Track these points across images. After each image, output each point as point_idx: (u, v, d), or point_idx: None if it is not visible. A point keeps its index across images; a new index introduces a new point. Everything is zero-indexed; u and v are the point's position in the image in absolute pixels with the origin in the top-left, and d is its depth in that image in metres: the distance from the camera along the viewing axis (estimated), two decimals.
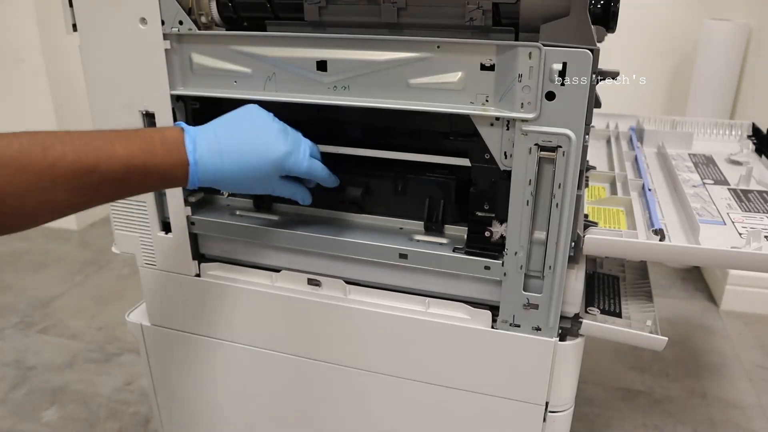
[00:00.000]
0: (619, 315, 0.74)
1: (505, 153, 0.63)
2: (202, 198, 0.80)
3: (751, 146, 1.05)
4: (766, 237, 0.68)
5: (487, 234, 0.67)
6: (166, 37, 0.68)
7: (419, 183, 0.73)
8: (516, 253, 0.65)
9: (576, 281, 0.68)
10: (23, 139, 0.49)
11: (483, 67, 0.60)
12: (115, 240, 0.82)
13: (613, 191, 0.84)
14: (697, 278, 1.86)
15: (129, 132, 0.56)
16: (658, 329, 0.69)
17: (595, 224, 0.69)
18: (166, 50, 0.68)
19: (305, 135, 0.67)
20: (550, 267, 0.64)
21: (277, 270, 0.78)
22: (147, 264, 0.82)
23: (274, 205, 0.80)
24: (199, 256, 0.81)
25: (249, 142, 0.60)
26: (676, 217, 0.77)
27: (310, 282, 0.76)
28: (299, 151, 0.64)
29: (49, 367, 1.52)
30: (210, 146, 0.59)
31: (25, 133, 0.50)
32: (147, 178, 0.56)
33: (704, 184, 0.88)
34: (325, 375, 0.79)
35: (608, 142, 1.08)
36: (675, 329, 1.62)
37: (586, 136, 0.59)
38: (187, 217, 0.76)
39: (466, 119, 0.63)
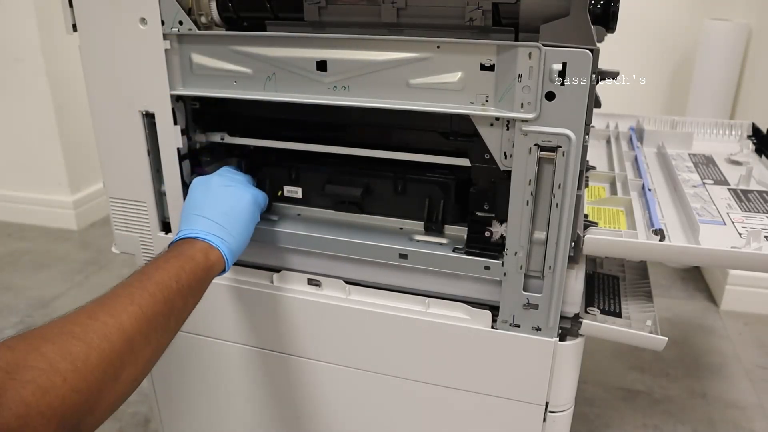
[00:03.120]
0: (619, 315, 0.74)
1: (505, 153, 0.63)
2: None
3: (751, 146, 1.05)
4: (766, 237, 0.68)
5: (487, 234, 0.67)
6: (166, 37, 0.68)
7: (419, 183, 0.73)
8: (516, 253, 0.65)
9: (576, 281, 0.68)
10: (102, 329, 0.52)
11: (483, 67, 0.60)
12: (115, 240, 0.82)
13: (613, 191, 0.84)
14: (697, 278, 1.86)
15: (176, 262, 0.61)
16: (658, 329, 0.69)
17: (595, 224, 0.69)
18: (166, 50, 0.68)
19: (306, 134, 0.68)
20: (550, 267, 0.64)
21: (277, 270, 0.78)
22: None
23: (274, 205, 0.80)
24: None
25: (242, 220, 0.69)
26: (676, 217, 0.77)
27: (310, 282, 0.76)
28: (260, 196, 0.73)
29: None
30: (230, 247, 0.66)
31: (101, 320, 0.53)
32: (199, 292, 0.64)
33: (704, 184, 0.88)
34: (325, 375, 0.79)
35: (608, 142, 1.08)
36: (675, 329, 1.62)
37: (586, 136, 0.59)
38: None
39: (466, 119, 0.63)
